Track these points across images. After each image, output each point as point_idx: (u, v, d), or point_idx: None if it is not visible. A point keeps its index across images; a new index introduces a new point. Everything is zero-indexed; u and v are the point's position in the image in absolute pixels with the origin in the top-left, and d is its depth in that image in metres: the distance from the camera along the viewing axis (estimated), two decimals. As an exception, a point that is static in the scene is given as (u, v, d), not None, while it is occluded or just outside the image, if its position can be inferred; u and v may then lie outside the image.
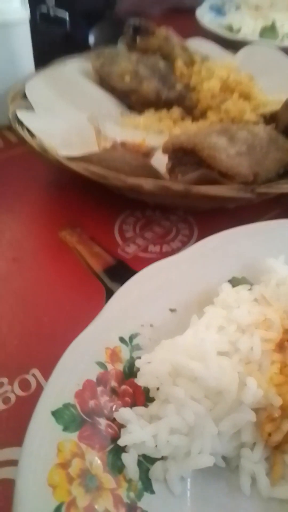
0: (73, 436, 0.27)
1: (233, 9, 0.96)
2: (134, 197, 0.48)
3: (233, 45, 0.77)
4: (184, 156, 0.44)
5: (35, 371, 0.37)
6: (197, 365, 0.27)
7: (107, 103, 0.60)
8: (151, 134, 0.55)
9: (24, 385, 0.36)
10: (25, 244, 0.50)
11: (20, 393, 0.36)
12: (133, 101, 0.61)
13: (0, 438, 0.33)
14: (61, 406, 0.27)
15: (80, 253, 0.48)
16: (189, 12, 0.93)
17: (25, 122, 0.49)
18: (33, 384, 0.36)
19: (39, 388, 0.36)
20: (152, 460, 0.27)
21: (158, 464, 0.27)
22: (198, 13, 0.91)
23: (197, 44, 0.69)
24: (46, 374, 0.36)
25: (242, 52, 0.71)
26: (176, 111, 0.58)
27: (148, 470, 0.27)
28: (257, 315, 0.32)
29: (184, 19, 0.90)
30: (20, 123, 0.50)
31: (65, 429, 0.27)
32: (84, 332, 0.31)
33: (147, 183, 0.41)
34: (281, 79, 0.63)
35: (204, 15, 0.91)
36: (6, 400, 0.35)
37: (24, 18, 0.63)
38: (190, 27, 0.88)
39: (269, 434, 0.28)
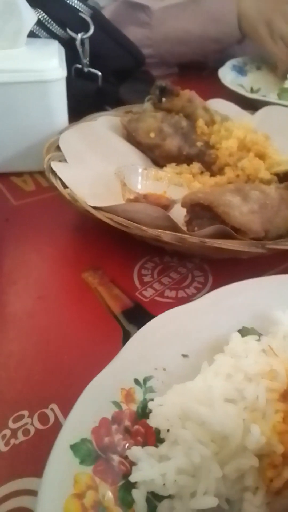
0: (89, 469, 0.29)
1: (254, 69, 1.02)
2: (154, 244, 0.52)
3: (252, 104, 0.83)
4: (201, 210, 0.47)
5: (54, 406, 0.39)
6: (205, 410, 0.30)
7: (133, 157, 0.66)
8: (171, 186, 0.60)
9: (43, 418, 0.38)
10: (50, 284, 0.53)
11: (39, 426, 0.38)
12: (156, 155, 0.66)
13: (18, 468, 0.35)
14: (78, 440, 0.30)
15: (100, 294, 0.51)
16: (211, 70, 1.00)
17: (58, 173, 0.54)
18: (52, 418, 0.38)
19: (57, 423, 0.38)
20: (160, 498, 0.29)
21: (165, 502, 0.29)
22: (220, 73, 0.98)
23: (218, 104, 0.75)
24: (64, 409, 0.39)
25: (260, 112, 0.77)
26: (195, 166, 0.63)
27: (155, 507, 0.29)
28: (263, 365, 0.34)
29: (207, 78, 0.97)
30: (54, 173, 0.55)
31: (82, 462, 0.29)
32: (102, 372, 0.34)
33: (166, 235, 0.45)
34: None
35: (226, 75, 0.97)
36: (25, 432, 0.38)
37: (61, 76, 0.68)
38: (213, 86, 0.94)
39: (271, 480, 0.30)
